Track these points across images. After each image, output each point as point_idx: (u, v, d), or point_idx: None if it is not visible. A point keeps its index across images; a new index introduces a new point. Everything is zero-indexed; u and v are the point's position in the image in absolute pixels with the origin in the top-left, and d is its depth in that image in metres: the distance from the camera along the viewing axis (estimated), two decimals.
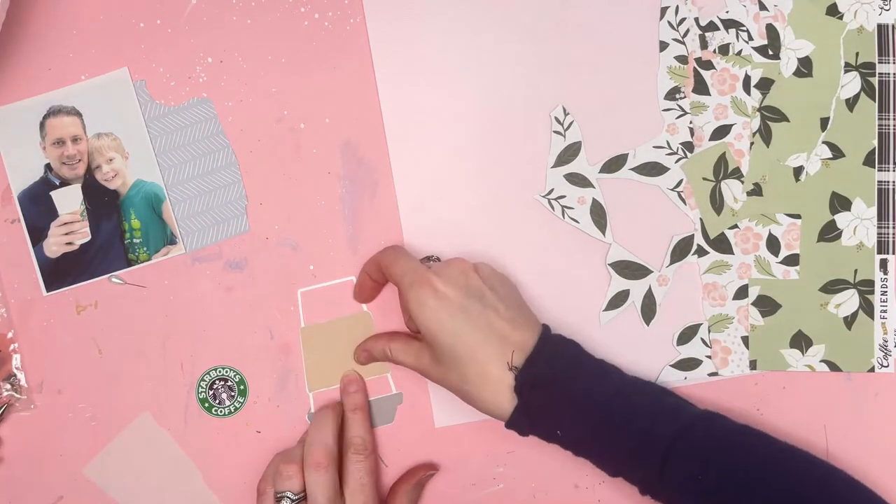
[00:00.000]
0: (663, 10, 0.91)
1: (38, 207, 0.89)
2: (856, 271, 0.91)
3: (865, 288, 0.90)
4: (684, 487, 0.80)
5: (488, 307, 0.82)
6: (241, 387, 0.90)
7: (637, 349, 0.91)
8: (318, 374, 0.91)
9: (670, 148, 0.91)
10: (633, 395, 0.84)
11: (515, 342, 0.82)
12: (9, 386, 0.89)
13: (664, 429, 0.81)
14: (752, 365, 0.91)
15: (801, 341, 0.91)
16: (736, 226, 0.91)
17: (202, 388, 0.90)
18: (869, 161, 0.91)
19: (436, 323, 0.81)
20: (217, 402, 0.90)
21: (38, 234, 0.89)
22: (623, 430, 0.81)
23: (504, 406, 0.82)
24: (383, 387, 0.91)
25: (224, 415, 0.90)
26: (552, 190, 0.91)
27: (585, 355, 0.86)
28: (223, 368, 0.90)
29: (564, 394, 0.82)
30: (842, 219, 0.91)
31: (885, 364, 0.91)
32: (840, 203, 0.91)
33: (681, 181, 0.91)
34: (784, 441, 0.84)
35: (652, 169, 0.91)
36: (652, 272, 0.91)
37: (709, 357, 0.91)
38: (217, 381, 0.90)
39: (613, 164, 0.91)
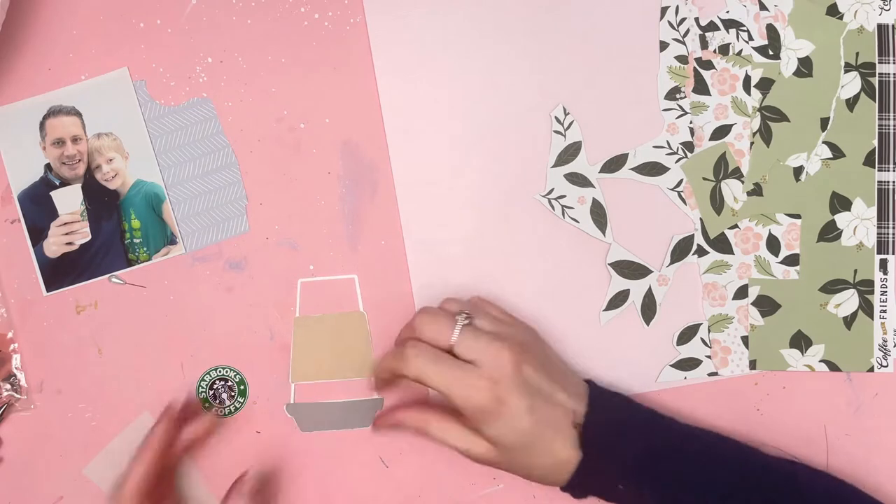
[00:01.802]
0: (663, 10, 0.92)
1: (38, 207, 0.90)
2: (855, 271, 0.92)
3: (865, 288, 0.92)
4: None
5: (548, 397, 0.82)
6: (242, 387, 0.91)
7: (637, 349, 0.92)
8: (303, 365, 0.92)
9: (670, 148, 0.92)
10: (706, 437, 0.86)
11: (575, 407, 0.82)
12: (9, 386, 0.90)
13: (726, 475, 0.82)
14: (752, 365, 0.92)
15: (800, 341, 0.92)
16: (736, 226, 0.92)
17: (202, 388, 0.91)
18: (869, 161, 0.92)
19: (506, 433, 0.80)
20: (217, 402, 0.91)
21: (38, 234, 0.90)
22: (706, 475, 0.82)
23: (570, 464, 0.82)
24: (365, 390, 0.92)
25: (224, 415, 0.91)
26: (552, 190, 0.92)
27: (634, 404, 0.87)
28: (223, 368, 0.91)
29: (632, 437, 0.83)
30: (842, 219, 0.92)
31: (884, 364, 0.92)
32: (840, 203, 0.92)
33: (681, 181, 0.92)
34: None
35: (652, 169, 0.92)
36: (652, 272, 0.92)
37: (709, 357, 0.92)
38: (217, 381, 0.91)
39: (614, 164, 0.92)
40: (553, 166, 0.92)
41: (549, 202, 0.92)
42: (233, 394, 0.91)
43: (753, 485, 0.82)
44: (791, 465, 0.86)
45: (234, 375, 0.91)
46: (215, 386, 0.91)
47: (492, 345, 0.81)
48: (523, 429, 0.80)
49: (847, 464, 0.92)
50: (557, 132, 0.92)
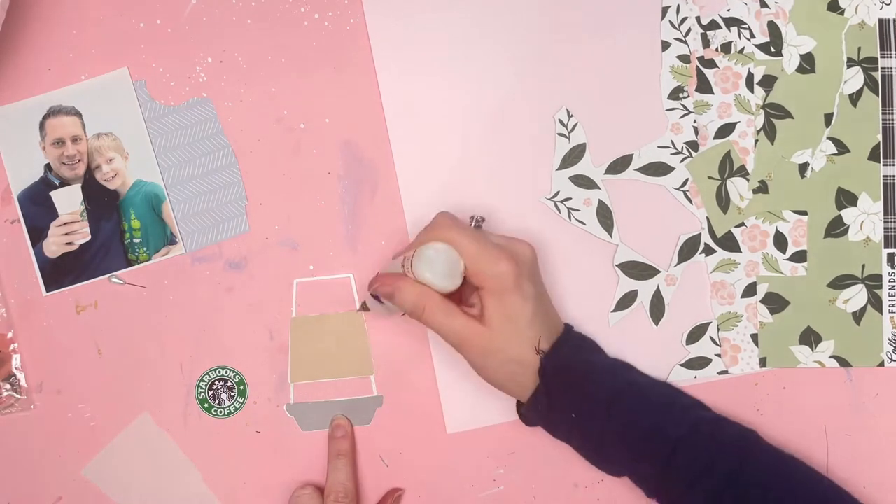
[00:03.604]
0: (664, 10, 0.94)
1: (37, 207, 0.91)
2: (863, 266, 0.93)
3: (873, 283, 0.93)
4: (688, 484, 0.82)
5: (542, 296, 0.87)
6: (241, 387, 0.92)
7: (646, 349, 0.93)
8: (301, 366, 0.93)
9: (675, 147, 0.93)
10: (649, 390, 0.87)
11: (547, 330, 0.85)
12: (9, 386, 0.91)
13: (674, 427, 0.84)
14: (762, 362, 0.93)
15: (810, 337, 0.93)
16: (742, 224, 0.93)
17: (202, 388, 0.92)
18: (874, 156, 0.93)
19: (509, 312, 0.83)
20: (217, 402, 0.92)
21: (37, 234, 0.91)
22: (635, 424, 0.84)
23: (527, 386, 0.85)
24: (365, 388, 0.93)
25: (224, 415, 0.92)
26: (558, 192, 0.93)
27: (604, 353, 0.91)
28: (223, 369, 0.92)
29: (584, 381, 0.85)
30: (848, 214, 0.93)
31: (894, 358, 0.92)
32: (846, 198, 0.93)
33: (686, 180, 0.93)
34: (787, 452, 0.87)
35: (657, 169, 0.93)
36: (660, 272, 0.93)
37: (718, 356, 0.93)
38: (217, 382, 0.92)
39: (618, 165, 0.93)
40: (558, 169, 0.94)
41: (555, 205, 0.93)
42: (232, 394, 0.92)
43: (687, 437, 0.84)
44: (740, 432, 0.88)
45: (234, 376, 0.92)
46: (215, 386, 0.92)
47: (512, 237, 0.88)
48: (525, 313, 0.83)
49: (847, 464, 0.93)
50: (561, 134, 0.94)
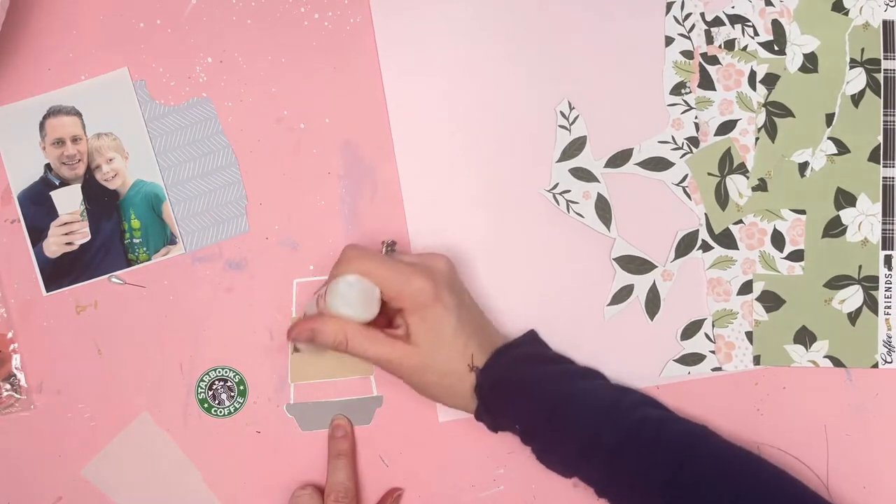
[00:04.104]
0: (669, 5, 0.94)
1: (37, 207, 0.91)
2: (860, 267, 0.93)
3: (870, 284, 0.93)
4: (630, 487, 0.84)
5: (467, 305, 0.88)
6: (241, 387, 0.92)
7: (641, 344, 0.94)
8: (302, 366, 0.93)
9: (675, 143, 0.94)
10: (588, 397, 0.88)
11: (477, 342, 0.86)
12: (9, 386, 0.91)
13: (611, 433, 0.84)
14: (756, 360, 0.93)
15: (805, 337, 0.93)
16: (741, 221, 0.94)
17: (202, 388, 0.92)
18: (874, 157, 0.93)
19: (434, 327, 0.84)
20: (217, 402, 0.92)
21: (37, 234, 0.91)
22: (573, 435, 0.85)
23: (469, 400, 0.87)
24: (365, 388, 0.94)
25: (224, 415, 0.92)
26: (557, 184, 0.94)
27: (547, 358, 0.91)
28: (223, 369, 0.92)
29: (521, 396, 0.86)
30: (847, 214, 0.93)
31: (888, 360, 0.93)
32: (845, 199, 0.93)
33: (686, 176, 0.94)
34: (731, 442, 0.87)
35: (657, 164, 0.94)
36: (656, 267, 0.94)
37: (713, 352, 0.93)
38: (217, 382, 0.92)
39: (619, 159, 0.94)
40: (558, 161, 0.94)
41: (554, 197, 0.94)
42: (232, 394, 0.92)
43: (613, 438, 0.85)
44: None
45: (234, 376, 0.92)
46: (215, 386, 0.92)
47: (426, 254, 0.90)
48: (450, 326, 0.84)
49: (847, 464, 0.93)
50: (562, 127, 0.94)
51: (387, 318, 0.87)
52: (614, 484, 0.85)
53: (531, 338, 0.92)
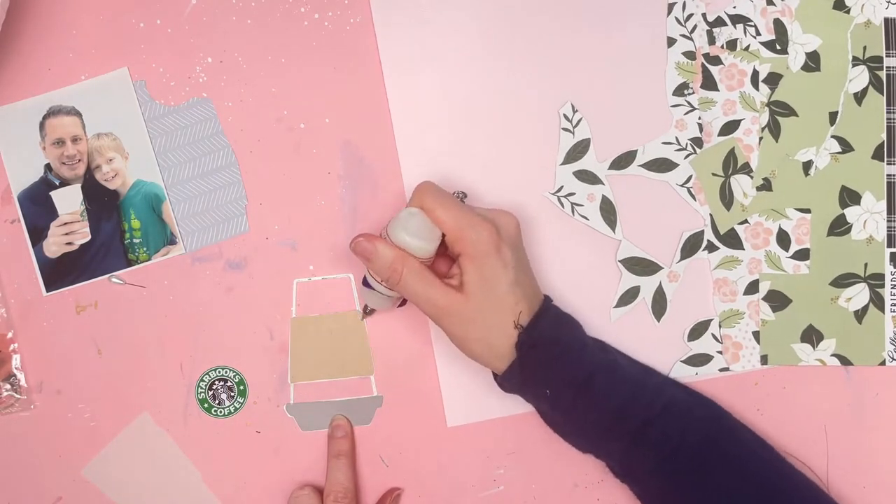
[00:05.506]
0: (670, 6, 0.95)
1: (38, 207, 0.92)
2: (866, 265, 0.94)
3: (876, 282, 0.94)
4: (655, 463, 0.85)
5: (523, 265, 0.88)
6: (241, 387, 0.93)
7: (648, 345, 0.94)
8: (302, 365, 0.94)
9: (679, 144, 0.95)
10: (622, 370, 0.89)
11: (527, 302, 0.86)
12: (9, 386, 0.92)
13: (643, 408, 0.86)
14: (764, 360, 0.94)
15: (811, 336, 0.94)
16: (746, 221, 0.95)
17: (201, 388, 0.93)
18: (878, 155, 0.94)
19: (489, 278, 0.85)
20: (217, 402, 0.93)
21: (38, 234, 0.92)
22: (605, 404, 0.86)
23: (505, 358, 0.87)
24: (365, 388, 0.95)
25: (224, 415, 0.93)
26: (561, 187, 0.95)
27: (582, 330, 0.91)
28: (223, 369, 0.93)
29: (559, 359, 0.87)
30: (851, 213, 0.94)
31: (895, 357, 0.94)
32: (850, 197, 0.94)
33: (690, 177, 0.95)
34: (754, 434, 0.89)
35: (661, 165, 0.95)
36: (662, 268, 0.95)
37: (720, 352, 0.94)
38: (217, 382, 0.93)
39: (622, 161, 0.95)
40: (562, 164, 0.95)
41: (559, 200, 0.95)
42: (232, 394, 0.93)
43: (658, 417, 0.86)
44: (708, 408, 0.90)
45: (234, 376, 0.93)
46: (215, 386, 0.93)
47: (495, 209, 0.89)
48: (505, 280, 0.85)
49: (847, 464, 0.94)
50: (566, 129, 0.95)
51: (444, 267, 0.89)
52: (634, 460, 0.86)
53: (550, 302, 0.92)
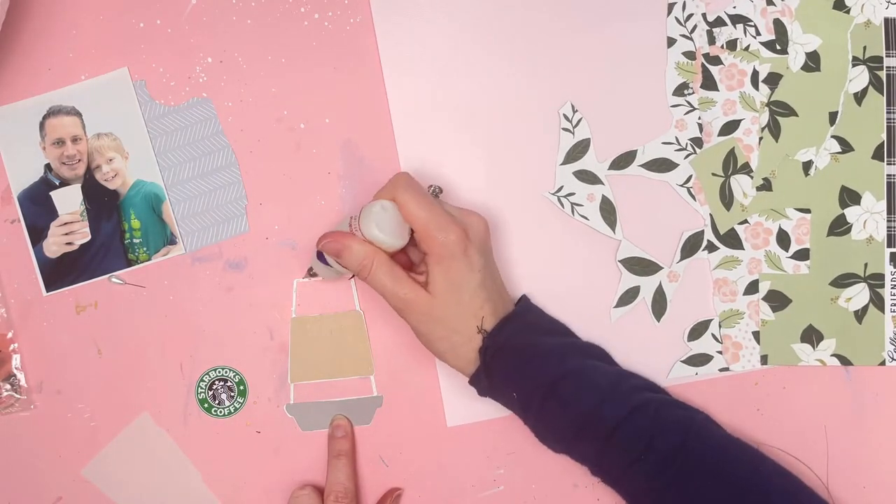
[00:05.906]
0: (670, 7, 0.95)
1: (38, 207, 0.92)
2: (866, 265, 0.94)
3: (876, 282, 0.94)
4: (627, 464, 0.85)
5: (490, 269, 0.89)
6: (241, 387, 0.93)
7: (648, 345, 0.95)
8: (302, 365, 0.94)
9: (679, 144, 0.95)
10: (594, 373, 0.89)
11: (492, 307, 0.87)
12: (9, 386, 0.92)
13: (613, 409, 0.86)
14: (763, 360, 0.94)
15: (811, 336, 0.94)
16: (746, 221, 0.95)
17: (201, 388, 0.93)
18: (878, 155, 0.95)
19: (454, 279, 0.85)
20: (217, 402, 0.93)
21: (37, 234, 0.92)
22: (574, 407, 0.86)
23: (470, 361, 0.88)
24: (365, 388, 0.95)
25: (224, 415, 0.94)
26: (561, 187, 0.95)
27: (559, 335, 0.92)
28: (223, 369, 0.93)
29: (525, 364, 0.87)
30: (851, 213, 0.95)
31: (895, 357, 0.94)
32: (850, 197, 0.95)
33: (690, 177, 0.95)
34: (728, 433, 0.89)
35: (661, 165, 0.95)
36: (662, 268, 0.95)
37: (720, 352, 0.95)
38: (217, 382, 0.93)
39: (622, 161, 0.95)
40: (562, 164, 0.95)
41: (559, 200, 0.95)
42: (232, 394, 0.93)
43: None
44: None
45: (234, 376, 0.94)
46: (215, 386, 0.93)
47: (465, 209, 0.89)
48: (471, 283, 0.86)
49: (847, 464, 0.95)
50: (566, 129, 0.95)
51: (408, 261, 0.90)
52: (607, 462, 0.86)
53: (526, 305, 0.93)
